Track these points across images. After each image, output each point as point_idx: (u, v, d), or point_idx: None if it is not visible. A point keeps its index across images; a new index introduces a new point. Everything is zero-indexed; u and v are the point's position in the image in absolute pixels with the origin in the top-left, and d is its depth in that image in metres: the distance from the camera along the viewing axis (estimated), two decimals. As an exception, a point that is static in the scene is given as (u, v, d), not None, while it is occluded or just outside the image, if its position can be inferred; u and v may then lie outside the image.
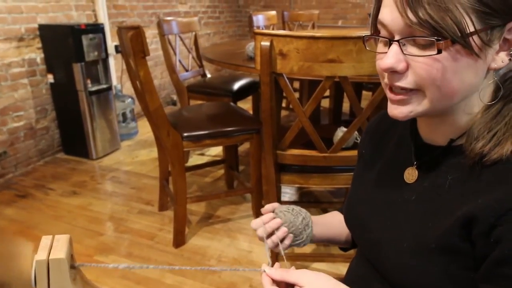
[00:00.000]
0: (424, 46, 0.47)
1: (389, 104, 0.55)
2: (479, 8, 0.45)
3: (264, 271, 0.57)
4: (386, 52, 0.50)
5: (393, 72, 0.51)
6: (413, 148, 0.61)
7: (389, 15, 0.49)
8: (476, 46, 0.46)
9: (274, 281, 0.57)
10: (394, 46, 0.49)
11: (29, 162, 2.65)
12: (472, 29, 0.45)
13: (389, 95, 0.54)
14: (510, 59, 0.49)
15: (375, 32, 0.55)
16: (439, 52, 0.46)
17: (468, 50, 0.46)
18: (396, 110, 0.54)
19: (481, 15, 0.45)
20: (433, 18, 0.45)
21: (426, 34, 0.46)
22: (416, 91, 0.51)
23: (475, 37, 0.46)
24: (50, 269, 0.43)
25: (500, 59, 0.49)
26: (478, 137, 0.50)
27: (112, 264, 0.47)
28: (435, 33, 0.46)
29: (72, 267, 0.45)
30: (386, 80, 0.53)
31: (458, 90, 0.49)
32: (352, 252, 0.79)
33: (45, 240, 0.46)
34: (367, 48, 0.57)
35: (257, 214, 1.94)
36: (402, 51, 0.49)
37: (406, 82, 0.51)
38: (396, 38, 0.49)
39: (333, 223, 0.81)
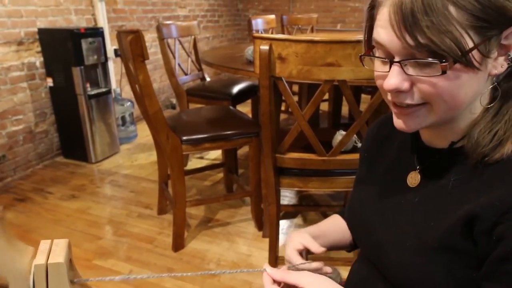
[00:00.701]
0: (425, 65, 0.47)
1: (394, 117, 0.55)
2: (477, 24, 0.45)
3: (265, 270, 0.57)
4: (386, 72, 0.50)
5: (397, 92, 0.51)
6: (416, 151, 0.62)
7: (386, 36, 0.48)
8: (476, 60, 0.46)
9: (275, 282, 0.57)
10: (395, 67, 0.49)
11: (28, 166, 2.64)
12: (471, 44, 0.45)
13: (395, 110, 0.54)
14: (508, 64, 0.49)
15: (369, 49, 0.55)
16: (444, 73, 0.46)
17: (469, 67, 0.46)
18: (403, 124, 0.54)
19: (479, 30, 0.45)
20: (433, 41, 0.44)
21: (427, 55, 0.46)
22: (423, 104, 0.51)
23: (475, 52, 0.46)
24: (48, 274, 0.43)
25: (499, 65, 0.49)
26: (479, 138, 0.51)
27: (109, 277, 0.47)
28: (435, 56, 0.45)
29: (72, 282, 0.45)
30: (389, 97, 0.53)
31: (463, 101, 0.50)
32: (352, 255, 0.79)
33: (44, 244, 0.45)
34: (365, 66, 0.56)
35: (256, 217, 1.94)
36: (405, 72, 0.49)
37: (412, 99, 0.51)
38: (396, 59, 0.49)
39: (335, 229, 0.80)
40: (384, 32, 0.48)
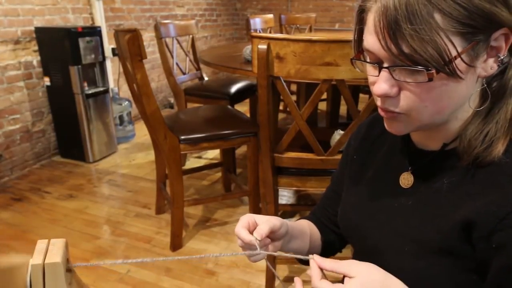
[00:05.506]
0: (413, 72, 0.47)
1: (385, 119, 0.56)
2: (463, 30, 0.44)
3: (313, 258, 0.53)
4: (376, 76, 0.51)
5: (386, 97, 0.51)
6: (407, 153, 0.62)
7: (373, 43, 0.49)
8: (459, 70, 0.46)
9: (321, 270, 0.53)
10: (384, 73, 0.49)
11: (25, 165, 2.63)
12: (454, 53, 0.45)
13: (381, 112, 0.55)
14: (498, 66, 0.49)
15: (359, 52, 0.55)
16: (430, 80, 0.46)
17: (452, 77, 0.46)
18: (391, 128, 0.55)
19: (465, 35, 0.45)
20: (416, 51, 0.44)
21: (413, 63, 0.46)
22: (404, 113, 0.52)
23: (458, 61, 0.45)
24: (45, 274, 0.43)
25: (488, 67, 0.49)
26: (471, 140, 0.51)
27: (104, 262, 0.47)
28: (420, 64, 0.46)
29: (68, 270, 0.45)
30: (379, 103, 0.54)
31: (447, 106, 0.50)
32: (349, 255, 0.79)
33: (41, 244, 0.45)
34: (356, 69, 0.56)
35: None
36: (393, 77, 0.49)
37: (396, 107, 0.51)
38: (385, 64, 0.49)
39: (313, 239, 0.77)
40: (371, 38, 0.49)
